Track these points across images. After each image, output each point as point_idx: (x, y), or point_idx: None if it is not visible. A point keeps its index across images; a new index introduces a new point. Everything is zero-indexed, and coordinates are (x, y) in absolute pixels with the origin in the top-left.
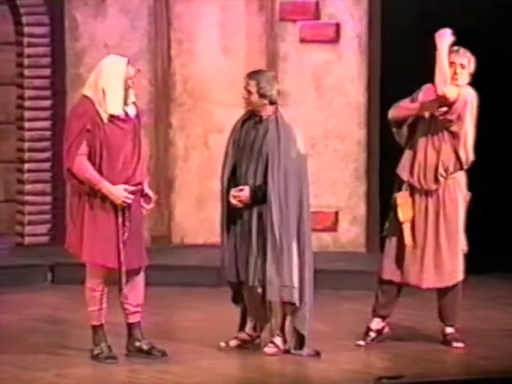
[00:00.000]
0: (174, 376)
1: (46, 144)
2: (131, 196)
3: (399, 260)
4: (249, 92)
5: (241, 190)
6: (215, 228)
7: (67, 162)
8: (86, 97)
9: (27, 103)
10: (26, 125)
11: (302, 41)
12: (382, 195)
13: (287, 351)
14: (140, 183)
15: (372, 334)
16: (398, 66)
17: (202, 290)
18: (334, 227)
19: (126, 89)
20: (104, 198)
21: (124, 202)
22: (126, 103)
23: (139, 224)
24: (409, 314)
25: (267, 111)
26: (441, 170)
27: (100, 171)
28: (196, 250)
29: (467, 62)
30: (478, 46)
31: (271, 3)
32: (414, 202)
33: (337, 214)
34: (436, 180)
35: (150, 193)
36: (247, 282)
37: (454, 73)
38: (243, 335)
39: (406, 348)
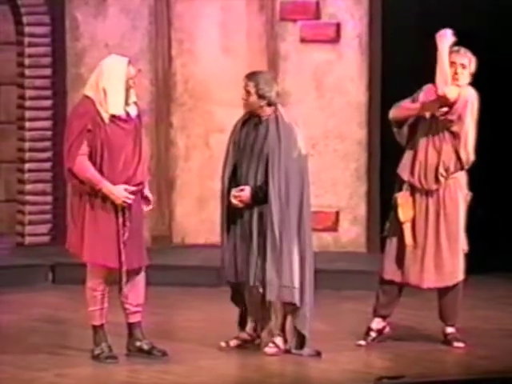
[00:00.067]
0: (174, 376)
1: (47, 144)
2: (131, 196)
3: (400, 260)
4: (248, 93)
5: (241, 190)
6: (216, 228)
7: (68, 162)
8: (86, 97)
9: (28, 103)
10: (27, 124)
11: (303, 40)
12: (382, 195)
13: (288, 351)
14: (141, 183)
15: (373, 334)
16: (398, 66)
17: (203, 289)
18: (334, 227)
19: (127, 89)
20: (105, 198)
21: (124, 202)
22: (127, 103)
23: (139, 224)
24: (409, 314)
25: (266, 112)
26: (441, 170)
27: (101, 171)
28: (197, 249)
29: (468, 62)
30: (478, 46)
31: (272, 3)
32: (414, 201)
33: (337, 213)
34: (437, 180)
35: (150, 195)
36: (248, 282)
37: (454, 73)
38: (244, 335)
39: (406, 348)
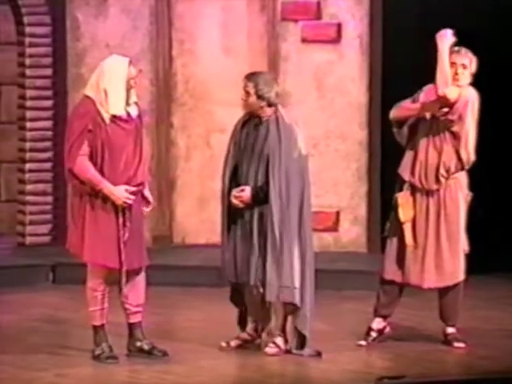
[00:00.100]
0: (174, 376)
1: (48, 144)
2: (132, 197)
3: (400, 260)
4: (247, 93)
5: (242, 190)
6: (216, 228)
7: (68, 163)
8: (87, 97)
9: (29, 103)
10: (28, 125)
11: (304, 41)
12: (383, 195)
13: (288, 351)
14: (141, 183)
15: (373, 334)
16: (399, 66)
17: (203, 289)
18: (335, 227)
19: (128, 89)
20: (105, 199)
21: (125, 202)
22: (127, 103)
23: (140, 224)
24: (410, 314)
25: (266, 113)
26: (442, 171)
27: (101, 171)
28: (197, 249)
29: (468, 62)
30: (479, 46)
31: (273, 3)
32: (415, 201)
33: (338, 214)
34: (437, 180)
35: (150, 197)
36: (248, 282)
37: (455, 73)
38: (244, 335)
39: (407, 348)
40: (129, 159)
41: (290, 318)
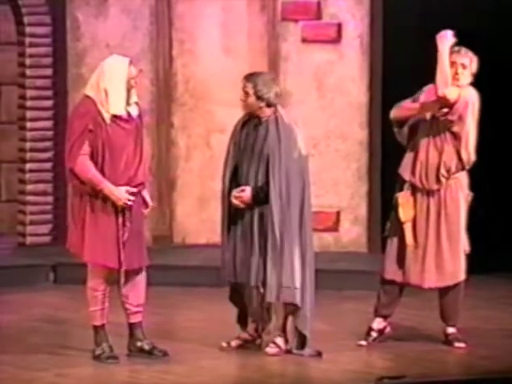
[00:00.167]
0: (175, 376)
1: (48, 144)
2: (133, 198)
3: (401, 260)
4: (246, 94)
5: (242, 190)
6: (217, 228)
7: (69, 163)
8: (87, 97)
9: (29, 103)
10: (28, 125)
11: (304, 41)
12: (383, 195)
13: (289, 351)
14: (142, 183)
15: (374, 334)
16: (399, 66)
17: (204, 289)
18: (335, 227)
19: (129, 89)
20: (105, 199)
21: (125, 203)
22: (128, 103)
23: (140, 224)
24: (410, 314)
25: (265, 113)
26: (442, 171)
27: (102, 171)
28: (197, 249)
29: (469, 61)
30: (479, 46)
31: (273, 3)
32: (415, 201)
33: (338, 214)
34: (438, 180)
35: (148, 199)
36: (248, 282)
37: (455, 73)
38: (245, 335)
39: (407, 348)
40: (129, 159)
41: (290, 318)
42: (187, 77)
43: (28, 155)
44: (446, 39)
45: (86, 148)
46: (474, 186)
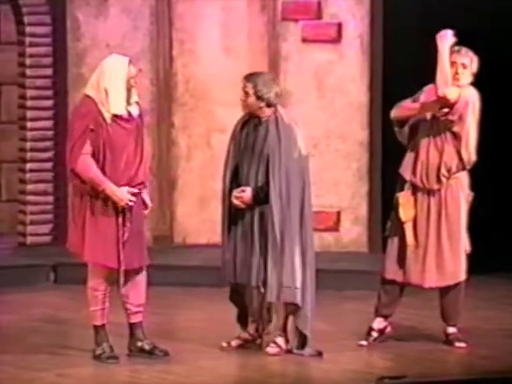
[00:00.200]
0: (175, 376)
1: (48, 144)
2: (134, 198)
3: (401, 260)
4: (246, 94)
5: (243, 190)
6: (217, 228)
7: (70, 163)
8: (88, 97)
9: (29, 103)
10: (28, 124)
11: (304, 40)
12: (384, 195)
13: (289, 351)
14: (142, 183)
15: (374, 334)
16: (399, 66)
17: (204, 289)
18: (336, 227)
19: (129, 88)
20: (105, 199)
21: (126, 204)
22: (128, 103)
23: (140, 224)
24: (411, 314)
25: (265, 113)
26: (443, 171)
27: (103, 171)
28: (198, 249)
29: (469, 61)
30: (480, 46)
31: (273, 3)
32: (416, 201)
33: (339, 213)
34: (438, 180)
35: (148, 200)
36: (249, 282)
37: (455, 73)
38: (245, 335)
39: (408, 348)
40: (130, 159)
41: (290, 318)
42: (187, 77)
43: (28, 155)
44: (446, 39)
45: (88, 148)
46: (474, 185)
